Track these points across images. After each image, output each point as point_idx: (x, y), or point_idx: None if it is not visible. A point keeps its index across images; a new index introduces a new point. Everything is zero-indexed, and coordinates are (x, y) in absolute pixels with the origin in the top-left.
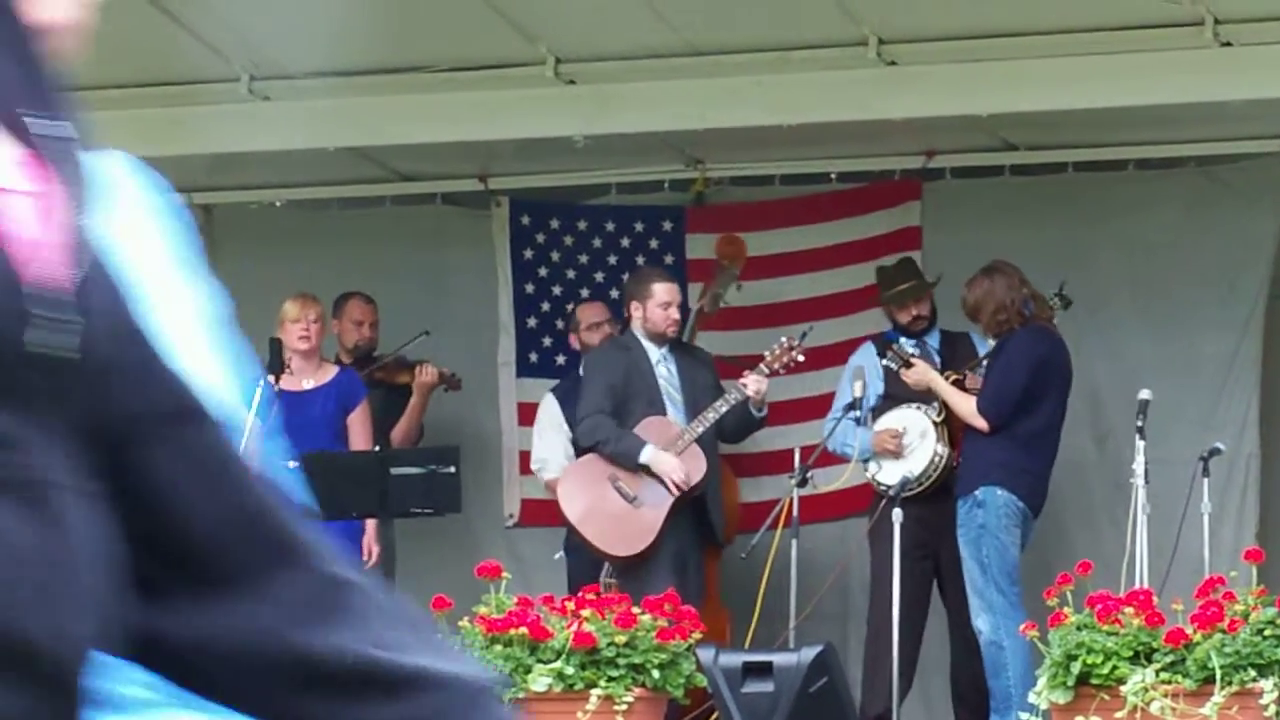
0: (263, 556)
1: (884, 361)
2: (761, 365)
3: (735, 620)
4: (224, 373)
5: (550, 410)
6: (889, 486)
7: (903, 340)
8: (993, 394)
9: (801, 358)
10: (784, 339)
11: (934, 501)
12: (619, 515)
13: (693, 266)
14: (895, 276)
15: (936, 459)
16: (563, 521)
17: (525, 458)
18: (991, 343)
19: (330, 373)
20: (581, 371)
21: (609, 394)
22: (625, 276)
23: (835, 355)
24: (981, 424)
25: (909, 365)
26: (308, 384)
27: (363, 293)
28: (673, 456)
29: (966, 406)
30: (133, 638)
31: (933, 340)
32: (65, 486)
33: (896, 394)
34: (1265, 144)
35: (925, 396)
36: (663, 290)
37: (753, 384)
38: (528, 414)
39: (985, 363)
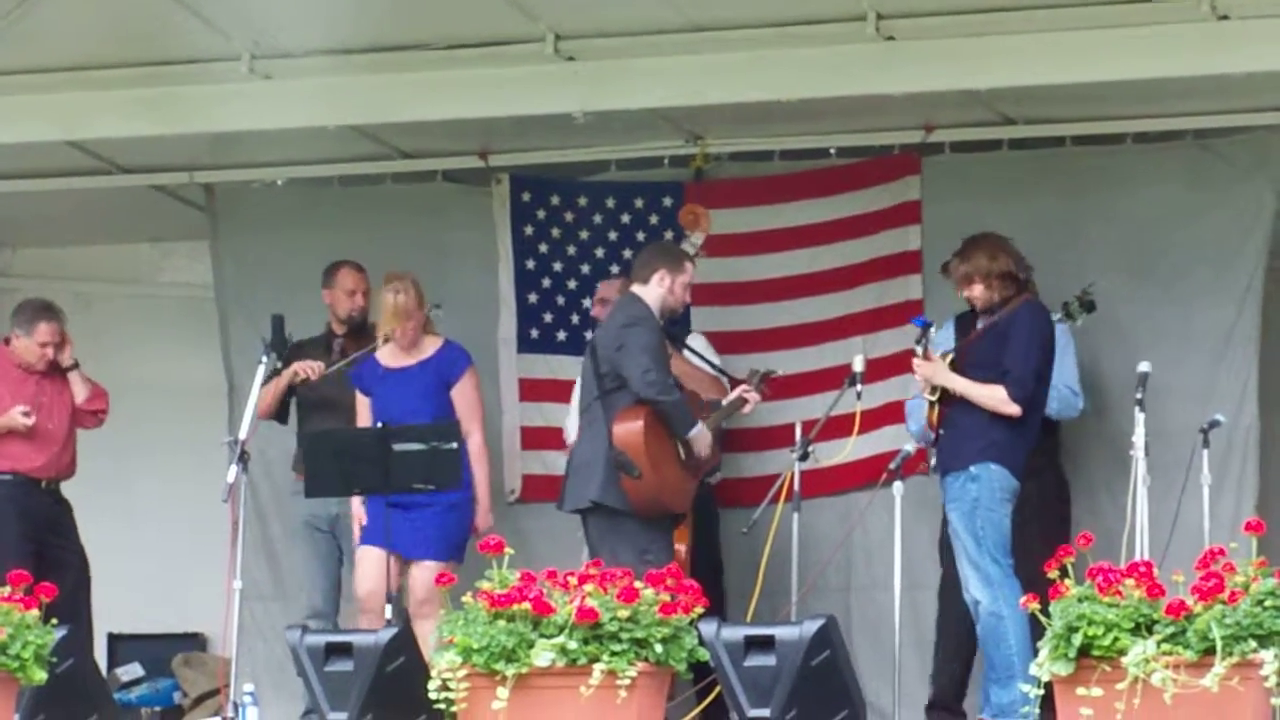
0: None
1: (915, 347)
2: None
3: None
4: None
5: None
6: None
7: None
8: (1021, 379)
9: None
10: (757, 370)
11: None
12: (678, 474)
13: None
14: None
15: None
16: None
17: (526, 433)
18: (1067, 315)
19: (434, 347)
20: (629, 323)
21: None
22: (626, 252)
23: (835, 330)
24: (1015, 410)
25: (927, 357)
26: (408, 359)
27: (353, 261)
28: (710, 437)
29: (994, 396)
30: None
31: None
32: None
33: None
34: (1262, 117)
35: None
36: (692, 271)
37: (753, 404)
38: (529, 390)
39: (975, 340)
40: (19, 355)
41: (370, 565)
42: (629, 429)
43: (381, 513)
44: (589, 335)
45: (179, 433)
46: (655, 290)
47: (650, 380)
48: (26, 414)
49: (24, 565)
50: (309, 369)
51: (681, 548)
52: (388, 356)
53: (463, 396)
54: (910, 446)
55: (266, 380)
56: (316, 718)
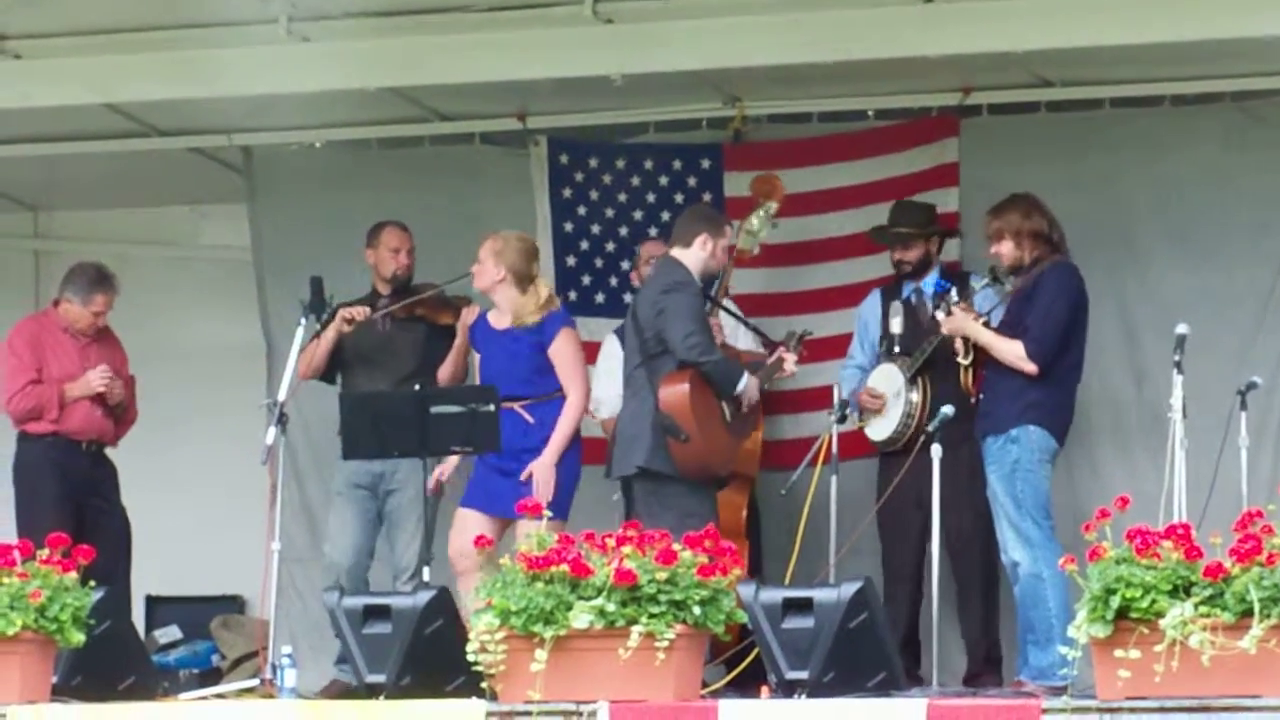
0: None
1: (937, 313)
2: (790, 352)
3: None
4: None
5: (612, 351)
6: (875, 442)
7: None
8: (1040, 336)
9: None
10: (793, 331)
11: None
12: (724, 436)
13: (731, 204)
14: (894, 218)
15: (901, 423)
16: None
17: None
18: (994, 280)
19: (540, 319)
20: (669, 288)
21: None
22: (664, 214)
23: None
24: (1031, 368)
25: (950, 314)
26: (510, 322)
27: (398, 221)
28: (757, 383)
29: (1012, 350)
30: None
31: (928, 284)
32: None
33: (891, 344)
34: None
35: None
36: (730, 233)
37: (791, 366)
38: None
39: (1008, 303)
40: (66, 319)
41: (463, 526)
42: (674, 392)
43: (485, 474)
44: (627, 298)
45: (217, 395)
46: (697, 254)
47: (692, 343)
48: (105, 375)
49: (63, 526)
50: (355, 311)
51: (742, 511)
52: (493, 317)
53: (558, 357)
54: (949, 409)
55: (310, 340)
56: (351, 667)
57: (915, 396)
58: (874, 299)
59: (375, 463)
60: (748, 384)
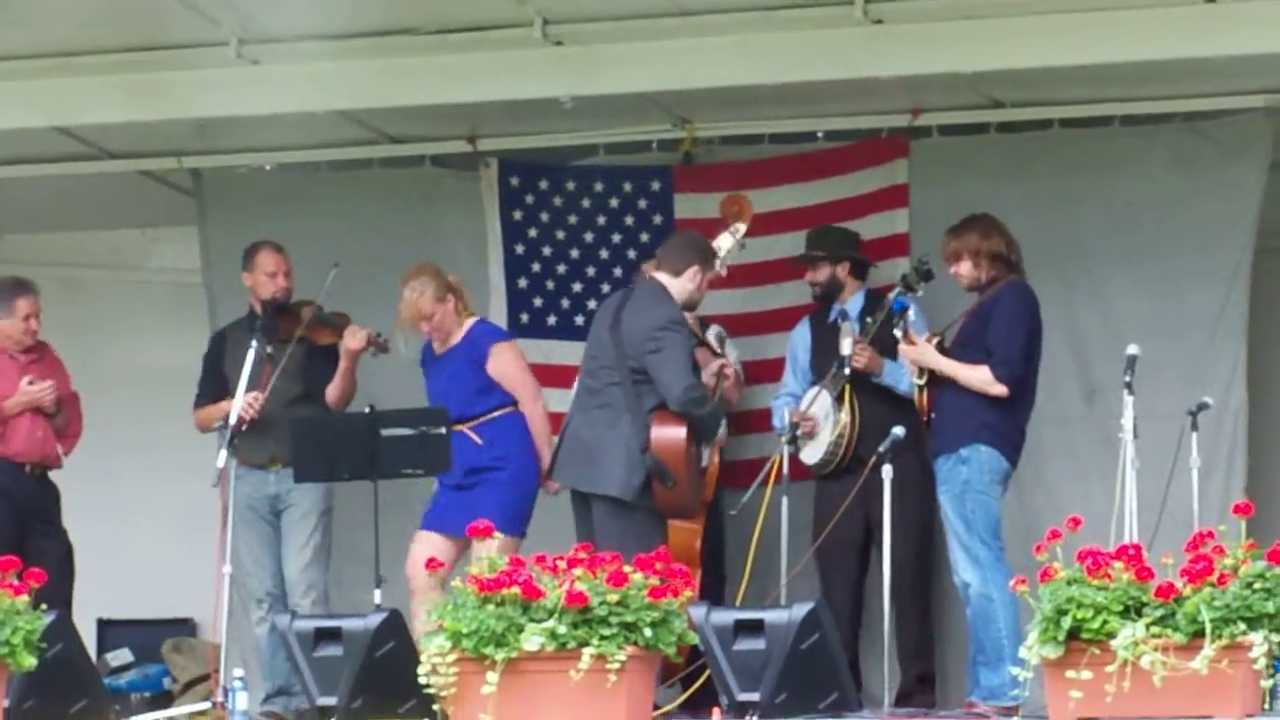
0: None
1: (895, 330)
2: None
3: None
4: None
5: None
6: (809, 466)
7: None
8: (1006, 358)
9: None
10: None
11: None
12: (699, 480)
13: (680, 226)
14: (807, 241)
15: (832, 446)
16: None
17: None
18: (906, 287)
19: (465, 329)
20: (666, 325)
21: None
22: (615, 236)
23: None
24: (1001, 390)
25: (910, 341)
26: (447, 345)
27: (272, 242)
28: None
29: (979, 376)
30: None
31: (854, 305)
32: None
33: (821, 371)
34: (1250, 99)
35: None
36: (717, 265)
37: (731, 370)
38: None
39: (962, 321)
40: (1, 340)
41: (421, 548)
42: (671, 439)
43: (442, 496)
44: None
45: (168, 417)
46: (685, 285)
47: (694, 396)
48: (31, 382)
49: (6, 549)
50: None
51: (697, 539)
52: (435, 342)
53: (499, 372)
54: (900, 430)
55: (255, 364)
56: (283, 700)
57: (844, 417)
58: (803, 326)
59: (271, 485)
60: (722, 434)
